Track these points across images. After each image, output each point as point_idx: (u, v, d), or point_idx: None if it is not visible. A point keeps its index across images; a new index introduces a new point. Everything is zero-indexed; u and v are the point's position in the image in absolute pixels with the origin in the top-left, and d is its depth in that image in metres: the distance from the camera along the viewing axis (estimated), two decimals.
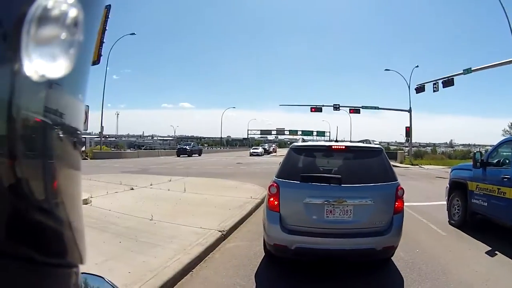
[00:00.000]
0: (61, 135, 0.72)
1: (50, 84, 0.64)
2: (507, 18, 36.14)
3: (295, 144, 7.63)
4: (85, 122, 12.33)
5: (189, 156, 57.93)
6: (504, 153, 10.00)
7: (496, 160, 10.01)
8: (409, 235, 8.18)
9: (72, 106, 0.74)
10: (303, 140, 8.56)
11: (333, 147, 7.20)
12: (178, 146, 67.07)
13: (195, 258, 7.11)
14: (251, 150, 78.52)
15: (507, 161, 9.50)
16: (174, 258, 6.81)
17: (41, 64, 0.60)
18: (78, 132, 0.77)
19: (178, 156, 57.80)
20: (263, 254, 7.66)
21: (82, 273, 1.83)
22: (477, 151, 11.24)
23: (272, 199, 6.62)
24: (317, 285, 6.41)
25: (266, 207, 6.82)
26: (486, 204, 9.80)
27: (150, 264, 6.39)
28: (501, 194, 9.12)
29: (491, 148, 11.32)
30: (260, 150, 79.28)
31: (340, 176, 6.58)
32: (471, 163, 10.87)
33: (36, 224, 0.68)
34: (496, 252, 8.27)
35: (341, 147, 7.16)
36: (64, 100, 0.71)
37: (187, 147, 62.35)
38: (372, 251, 6.34)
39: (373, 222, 6.48)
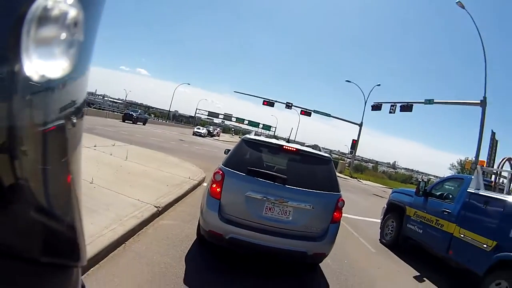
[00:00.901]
0: (61, 136, 0.74)
1: (50, 84, 0.65)
2: (485, 59, 37.10)
3: (248, 136, 7.66)
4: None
5: (133, 123, 55.74)
6: (449, 188, 10.38)
7: (440, 193, 10.36)
8: (340, 246, 8.42)
9: (72, 106, 0.75)
10: (256, 134, 8.62)
11: (284, 147, 7.25)
12: (125, 111, 65.15)
13: (129, 231, 7.10)
14: (195, 129, 75.65)
15: (451, 196, 9.88)
16: (109, 227, 6.77)
17: (41, 64, 0.61)
18: (79, 130, 0.81)
19: (123, 121, 55.79)
20: (195, 237, 7.76)
21: None
22: (421, 180, 11.88)
23: (215, 185, 6.66)
24: (245, 277, 6.57)
25: (208, 193, 6.82)
26: (421, 231, 10.23)
27: (86, 229, 6.27)
28: (438, 225, 9.56)
29: (437, 179, 11.83)
30: (203, 131, 76.13)
31: (286, 176, 6.69)
32: (413, 189, 11.37)
33: (36, 224, 0.70)
34: (424, 278, 8.76)
35: (292, 148, 7.24)
36: (64, 99, 0.72)
37: (133, 113, 59.81)
38: (303, 255, 6.52)
39: (309, 227, 6.63)
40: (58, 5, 0.62)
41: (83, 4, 0.66)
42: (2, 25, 0.57)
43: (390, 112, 52.08)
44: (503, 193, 8.77)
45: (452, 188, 10.26)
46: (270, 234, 6.42)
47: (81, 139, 0.86)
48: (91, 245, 5.78)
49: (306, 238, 6.59)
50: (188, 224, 8.75)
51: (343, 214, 7.00)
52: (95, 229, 6.45)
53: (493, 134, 28.47)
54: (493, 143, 27.87)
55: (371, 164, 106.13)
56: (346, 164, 61.20)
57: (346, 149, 73.37)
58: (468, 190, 9.06)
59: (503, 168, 9.73)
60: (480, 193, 8.70)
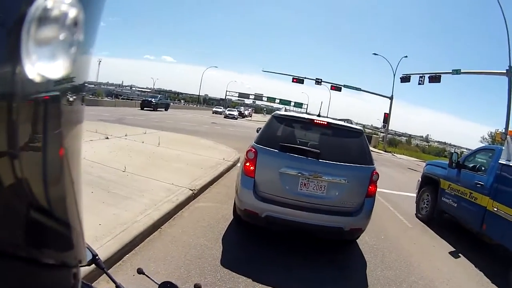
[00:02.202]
0: (61, 134, 0.70)
1: (50, 84, 0.63)
2: (507, 30, 36.08)
3: (278, 112, 7.54)
4: None
5: (154, 110, 51.75)
6: (481, 160, 10.08)
7: (472, 164, 10.08)
8: (376, 221, 8.34)
9: (72, 105, 0.72)
10: (286, 110, 8.50)
11: (315, 121, 7.04)
12: (143, 98, 60.45)
13: (165, 215, 7.11)
14: (227, 112, 72.38)
15: (483, 168, 9.56)
16: (144, 213, 6.80)
17: (41, 64, 0.59)
18: (78, 129, 0.77)
19: (142, 108, 52.01)
20: (231, 217, 7.73)
21: None
22: (454, 152, 11.34)
23: (248, 164, 6.60)
24: (282, 256, 6.48)
25: (241, 172, 6.79)
26: (456, 205, 9.94)
27: (120, 217, 6.36)
28: (472, 198, 9.20)
29: (469, 151, 11.46)
30: (235, 113, 72.70)
31: (319, 151, 6.56)
32: (447, 161, 11.03)
33: (36, 224, 0.67)
34: (460, 254, 8.46)
35: (323, 122, 7.04)
36: (64, 100, 0.69)
37: (152, 99, 55.03)
38: (339, 230, 6.40)
39: (345, 201, 6.49)
40: (58, 5, 0.60)
41: (83, 4, 0.65)
42: (2, 25, 0.55)
43: (419, 84, 50.13)
44: None
45: (484, 160, 9.97)
46: (305, 211, 6.31)
47: (81, 139, 0.81)
48: (125, 231, 5.81)
49: (342, 213, 6.46)
50: (224, 205, 8.72)
51: (378, 189, 6.85)
52: (130, 216, 6.47)
53: None
54: None
55: (405, 138, 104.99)
56: (380, 139, 60.53)
57: (379, 123, 72.56)
58: (499, 161, 8.62)
59: None
60: None
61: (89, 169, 9.29)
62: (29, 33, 0.56)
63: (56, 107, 0.67)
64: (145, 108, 51.31)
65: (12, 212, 0.61)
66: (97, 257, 1.71)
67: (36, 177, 0.65)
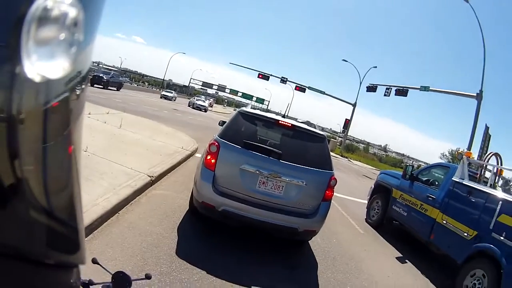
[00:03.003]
0: (61, 134, 0.73)
1: (50, 84, 0.64)
2: (484, 56, 36.86)
3: (244, 109, 7.62)
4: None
5: (104, 87, 45.33)
6: (436, 175, 10.57)
7: (426, 178, 10.61)
8: (329, 225, 8.57)
9: (72, 105, 0.74)
10: (253, 107, 8.59)
11: (280, 122, 7.20)
12: (94, 73, 48.98)
13: (123, 200, 7.12)
14: (195, 101, 63.42)
15: (437, 183, 10.09)
16: (103, 196, 6.78)
17: (41, 64, 0.60)
18: (78, 129, 0.80)
19: (92, 85, 43.66)
20: (187, 207, 7.80)
21: None
22: (409, 164, 12.26)
23: (209, 157, 6.66)
24: (237, 251, 6.64)
25: (202, 164, 6.83)
26: (406, 214, 10.48)
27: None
28: (423, 210, 9.78)
29: (425, 166, 12.17)
30: (206, 103, 64.55)
31: (281, 151, 6.67)
32: (401, 172, 11.60)
33: (35, 223, 0.69)
34: (407, 260, 9.01)
35: (288, 124, 7.19)
36: (64, 99, 0.70)
37: (104, 76, 47.62)
38: (294, 231, 6.58)
39: (301, 203, 6.67)
40: (58, 5, 0.61)
41: (83, 4, 0.65)
42: (2, 25, 0.57)
43: (385, 95, 51.64)
44: (486, 185, 8.89)
45: (438, 175, 10.47)
46: (262, 208, 6.46)
47: (81, 139, 0.85)
48: (85, 214, 5.75)
49: (297, 214, 6.63)
50: (181, 195, 8.79)
51: (336, 194, 7.02)
52: (90, 198, 6.42)
53: (487, 128, 28.25)
54: (486, 137, 27.65)
55: (362, 145, 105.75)
56: (338, 143, 61.24)
57: (339, 128, 73.12)
58: (453, 179, 9.25)
59: (489, 162, 9.86)
60: (464, 182, 8.88)
61: None
62: (29, 33, 0.57)
63: (56, 106, 0.68)
64: (95, 85, 43.93)
65: (13, 212, 0.63)
66: None
67: (37, 178, 0.67)
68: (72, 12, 0.63)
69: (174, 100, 66.56)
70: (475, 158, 11.16)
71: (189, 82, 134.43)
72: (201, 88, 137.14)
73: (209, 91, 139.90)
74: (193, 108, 59.33)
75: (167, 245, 6.07)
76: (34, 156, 0.66)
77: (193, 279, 5.26)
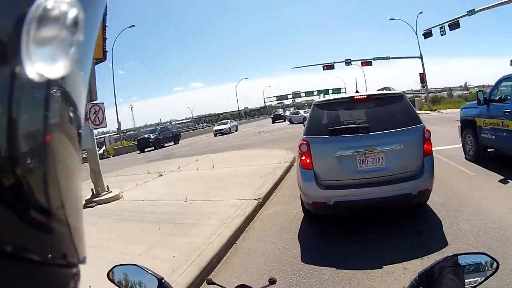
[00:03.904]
0: (61, 133, 0.71)
1: (50, 84, 0.64)
2: None
3: (318, 100, 7.65)
4: (103, 120, 12.44)
5: (156, 148, 42.07)
6: (504, 90, 10.59)
7: (498, 96, 10.71)
8: (440, 179, 8.14)
9: (72, 106, 0.73)
10: (324, 96, 8.52)
11: (355, 97, 7.13)
12: (139, 137, 48.11)
13: (236, 230, 7.21)
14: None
15: (509, 97, 10.02)
16: (215, 233, 6.92)
17: (41, 64, 0.60)
18: (78, 131, 0.76)
19: (141, 151, 41.72)
20: (302, 215, 7.72)
21: (116, 266, 1.88)
22: (479, 90, 12.15)
23: (304, 157, 6.63)
24: (359, 237, 6.46)
25: (299, 167, 6.83)
26: (494, 137, 10.58)
27: (193, 244, 6.51)
28: (505, 127, 9.86)
29: (493, 85, 11.87)
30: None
31: (367, 124, 6.59)
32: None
33: (36, 223, 0.67)
34: None
35: (363, 96, 7.10)
36: (64, 100, 0.70)
37: (151, 135, 43.82)
38: (408, 196, 6.35)
39: (405, 167, 6.46)
40: (58, 5, 0.61)
41: (83, 4, 0.65)
42: (2, 25, 0.56)
43: (441, 35, 50.14)
44: None
45: (506, 88, 10.46)
46: (370, 186, 6.32)
47: (81, 139, 0.78)
48: (201, 256, 5.95)
49: (406, 178, 6.42)
50: (292, 205, 8.73)
51: (434, 147, 6.77)
52: (202, 240, 6.61)
53: None
54: None
55: (445, 93, 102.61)
56: (423, 100, 59.70)
57: (417, 86, 71.49)
58: None
59: None
60: None
61: (152, 208, 9.61)
62: (29, 33, 0.57)
63: (56, 106, 0.67)
64: (145, 150, 41.76)
65: (11, 211, 0.61)
66: (163, 280, 1.76)
67: (37, 177, 0.66)
68: (72, 12, 0.63)
69: (235, 131, 56.22)
70: None
71: (264, 102, 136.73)
72: (278, 103, 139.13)
73: (286, 102, 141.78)
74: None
75: (291, 256, 6.04)
76: (34, 155, 0.64)
77: (324, 279, 5.17)
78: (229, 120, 63.88)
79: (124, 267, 1.87)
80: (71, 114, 0.72)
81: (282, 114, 67.69)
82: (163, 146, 43.42)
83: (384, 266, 5.23)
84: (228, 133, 52.53)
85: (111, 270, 1.85)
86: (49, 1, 0.60)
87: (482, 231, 6.08)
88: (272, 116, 67.57)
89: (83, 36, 0.66)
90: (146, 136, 44.41)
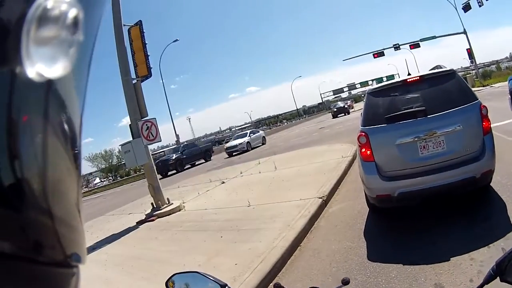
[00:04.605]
0: (61, 134, 0.70)
1: (50, 84, 0.64)
2: None
3: (370, 88, 7.51)
4: (156, 135, 12.75)
5: (179, 170, 36.48)
6: None
7: None
8: (501, 157, 7.70)
9: (71, 106, 0.72)
10: (377, 83, 8.40)
11: (407, 80, 6.95)
12: (159, 160, 36.93)
13: (301, 231, 7.18)
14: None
15: None
16: (279, 237, 6.90)
17: (40, 64, 0.60)
18: (78, 129, 0.74)
19: (164, 176, 34.32)
20: (367, 209, 7.60)
21: (176, 274, 1.89)
22: None
23: (364, 149, 6.54)
24: (423, 230, 6.26)
25: (360, 159, 6.73)
26: None
27: (256, 250, 6.54)
28: None
29: None
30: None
31: (424, 107, 6.38)
32: None
33: (35, 223, 0.66)
34: None
35: (415, 78, 6.92)
36: (64, 100, 0.69)
37: (173, 155, 37.87)
38: (472, 180, 6.10)
39: (466, 148, 6.22)
40: (58, 5, 0.61)
41: (83, 4, 0.66)
42: (2, 25, 0.57)
43: (479, 6, 50.63)
44: None
45: None
46: (434, 173, 6.11)
47: (81, 138, 0.76)
48: (264, 262, 5.97)
49: (469, 161, 6.16)
50: (357, 201, 8.58)
51: (492, 124, 6.51)
52: (265, 245, 6.63)
53: None
54: None
55: (493, 66, 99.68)
56: (474, 76, 58.24)
57: (466, 62, 70.12)
58: None
59: None
60: None
61: (214, 217, 9.78)
62: (29, 33, 0.58)
63: (56, 105, 0.68)
64: (168, 174, 36.07)
65: (10, 210, 0.61)
66: (226, 286, 1.75)
67: (37, 177, 0.65)
68: (72, 12, 0.64)
69: (261, 144, 41.39)
70: None
71: (321, 98, 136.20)
72: (335, 97, 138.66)
73: (343, 95, 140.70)
74: (335, 116, 57.76)
75: (357, 255, 5.94)
76: (34, 155, 0.65)
77: (391, 276, 5.05)
78: (248, 132, 43.73)
79: (184, 275, 1.88)
80: (70, 114, 0.72)
81: (345, 106, 62.37)
82: (185, 168, 37.60)
83: (451, 259, 5.06)
84: (247, 150, 37.31)
85: (170, 278, 1.85)
86: (49, 1, 0.60)
87: None
88: (333, 110, 62.30)
89: (83, 36, 0.66)
90: (166, 158, 38.27)
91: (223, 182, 15.76)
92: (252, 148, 38.16)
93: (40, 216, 0.66)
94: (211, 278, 1.73)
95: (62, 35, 0.62)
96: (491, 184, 6.93)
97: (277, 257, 6.07)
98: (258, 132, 46.07)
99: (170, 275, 1.84)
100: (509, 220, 5.79)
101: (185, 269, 1.89)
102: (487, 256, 4.94)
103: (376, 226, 7.02)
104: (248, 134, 41.32)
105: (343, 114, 58.49)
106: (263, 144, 41.05)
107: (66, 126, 0.71)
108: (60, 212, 0.70)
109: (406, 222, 6.73)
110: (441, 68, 7.64)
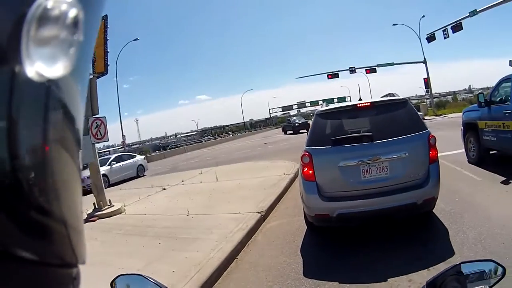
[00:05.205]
0: (61, 133, 0.70)
1: (50, 84, 0.63)
2: None
3: (320, 109, 7.49)
4: (105, 134, 12.50)
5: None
6: (505, 90, 10.75)
7: (499, 98, 10.96)
8: (446, 185, 8.02)
9: (72, 105, 0.72)
10: (327, 105, 8.47)
11: (358, 105, 7.05)
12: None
13: (238, 244, 7.12)
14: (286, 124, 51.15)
15: (509, 98, 10.18)
16: (216, 248, 6.83)
17: (41, 64, 0.60)
18: (78, 129, 0.75)
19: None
20: (305, 227, 7.61)
21: (120, 275, 1.85)
22: (479, 93, 12.41)
23: (306, 169, 6.51)
24: (363, 249, 6.34)
25: (302, 178, 6.71)
26: (495, 139, 10.80)
27: (193, 259, 6.42)
28: (506, 127, 10.05)
29: (492, 87, 12.19)
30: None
31: (371, 133, 6.49)
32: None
33: (36, 223, 0.65)
34: None
35: (366, 104, 7.00)
36: (64, 99, 0.69)
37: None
38: (413, 205, 6.22)
39: (410, 175, 6.34)
40: (58, 5, 0.61)
41: (83, 4, 0.66)
42: (2, 25, 0.56)
43: (445, 38, 51.60)
44: None
45: (507, 89, 10.58)
46: (375, 197, 6.18)
47: (80, 137, 0.77)
48: (200, 272, 5.86)
49: (411, 187, 6.29)
50: (296, 217, 8.63)
51: (440, 153, 6.70)
52: (202, 255, 6.54)
53: None
54: None
55: (450, 97, 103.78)
56: (428, 105, 60.42)
57: (422, 91, 72.69)
58: None
59: None
60: None
61: (153, 223, 9.59)
62: (29, 33, 0.57)
63: (56, 106, 0.67)
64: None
65: (11, 212, 0.60)
66: None
67: (37, 177, 0.64)
68: (72, 12, 0.63)
69: (135, 175, 28.45)
70: None
71: (269, 113, 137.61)
72: (283, 114, 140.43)
73: (291, 112, 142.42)
74: (297, 132, 51.14)
75: (293, 271, 5.92)
76: (34, 155, 0.64)
77: None
78: (111, 157, 29.36)
79: (128, 277, 1.85)
80: (71, 114, 0.72)
81: (308, 122, 47.15)
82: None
83: (389, 279, 5.13)
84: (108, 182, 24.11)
85: (114, 280, 1.82)
86: (49, 1, 0.60)
87: (489, 238, 5.99)
88: (294, 125, 56.29)
89: (83, 36, 0.66)
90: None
91: (164, 189, 15.58)
92: (111, 185, 24.07)
93: (40, 218, 0.65)
94: (154, 282, 1.73)
95: (62, 35, 0.62)
96: (435, 210, 7.16)
97: (213, 268, 5.98)
98: (133, 158, 30.74)
99: (115, 276, 1.80)
100: (451, 245, 5.95)
101: (123, 272, 1.87)
102: (426, 279, 5.02)
103: (313, 243, 7.02)
104: (108, 162, 27.19)
105: (305, 131, 57.11)
106: (139, 176, 28.51)
107: (67, 126, 0.71)
108: (61, 213, 0.70)
109: (346, 241, 6.78)
110: (393, 95, 7.77)
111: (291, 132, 55.76)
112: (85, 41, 0.67)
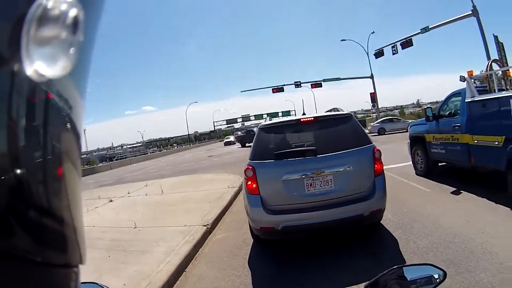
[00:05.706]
0: (61, 133, 0.71)
1: (50, 84, 0.64)
2: None
3: (263, 123, 7.56)
4: None
5: None
6: (454, 105, 11.20)
7: (448, 112, 11.41)
8: (394, 196, 8.31)
9: (72, 105, 0.72)
10: (271, 119, 8.54)
11: (301, 120, 7.10)
12: None
13: (186, 257, 7.08)
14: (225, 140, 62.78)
15: (459, 111, 10.59)
16: (164, 261, 6.78)
17: (41, 64, 0.60)
18: (78, 129, 0.76)
19: None
20: (252, 240, 7.65)
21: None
22: (427, 107, 12.86)
23: (250, 182, 6.54)
24: (312, 261, 6.39)
25: (246, 192, 6.72)
26: (444, 151, 11.24)
27: (142, 272, 6.34)
28: (455, 140, 10.48)
29: (441, 101, 12.57)
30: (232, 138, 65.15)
31: (314, 147, 6.57)
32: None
33: (35, 223, 0.66)
34: (484, 198, 8.61)
35: (310, 118, 7.10)
36: (64, 99, 0.70)
37: None
38: (360, 218, 6.33)
39: (355, 188, 6.43)
40: (58, 5, 0.61)
41: (83, 4, 0.66)
42: (2, 25, 0.56)
43: (393, 54, 51.89)
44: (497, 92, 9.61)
45: (456, 103, 11.06)
46: (320, 210, 6.23)
47: (80, 136, 0.78)
48: (150, 284, 5.80)
49: (357, 200, 6.38)
50: (241, 230, 8.67)
51: (387, 166, 6.84)
52: (151, 268, 6.46)
53: (496, 37, 27.94)
54: (500, 46, 27.38)
55: (397, 111, 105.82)
56: (374, 119, 60.77)
57: (368, 105, 73.68)
58: (465, 101, 9.94)
59: (491, 70, 10.66)
60: (475, 99, 9.50)
61: (102, 235, 9.30)
62: (29, 33, 0.57)
63: (56, 106, 0.68)
64: None
65: (11, 211, 0.61)
66: None
67: (37, 177, 0.66)
68: (72, 12, 0.63)
69: None
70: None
71: (214, 126, 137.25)
72: (227, 127, 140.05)
73: (236, 125, 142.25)
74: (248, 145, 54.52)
75: (242, 283, 5.94)
76: (34, 155, 0.65)
77: None
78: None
79: (85, 286, 1.83)
80: (71, 114, 0.73)
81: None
82: None
83: None
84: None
85: None
86: (49, 1, 0.60)
87: (441, 246, 6.18)
88: (241, 136, 58.68)
89: (83, 36, 0.66)
90: None
91: (111, 201, 15.14)
92: None
93: (41, 217, 0.67)
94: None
95: (62, 35, 0.62)
96: (383, 222, 7.34)
97: (163, 281, 5.93)
98: None
99: None
100: (401, 254, 6.11)
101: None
102: None
103: (260, 256, 7.06)
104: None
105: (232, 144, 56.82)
106: None
107: (67, 126, 0.72)
108: (61, 213, 0.71)
109: (293, 254, 6.82)
110: (338, 110, 7.87)
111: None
112: (85, 41, 0.68)
